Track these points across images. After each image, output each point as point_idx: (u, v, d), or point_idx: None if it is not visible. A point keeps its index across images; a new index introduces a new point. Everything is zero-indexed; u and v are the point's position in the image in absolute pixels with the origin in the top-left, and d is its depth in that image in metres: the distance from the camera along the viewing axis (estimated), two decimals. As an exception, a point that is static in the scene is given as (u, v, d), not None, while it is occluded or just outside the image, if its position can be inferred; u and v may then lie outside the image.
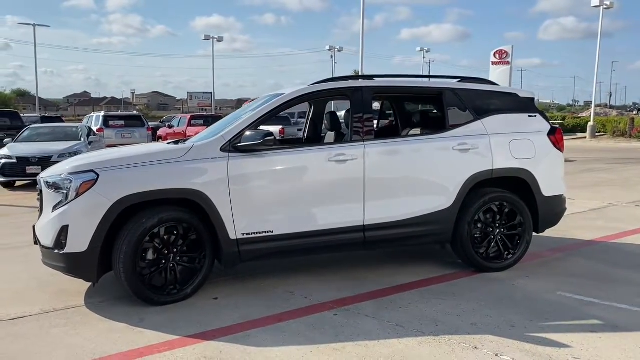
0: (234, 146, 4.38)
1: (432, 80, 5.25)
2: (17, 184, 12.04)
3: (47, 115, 26.37)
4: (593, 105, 32.65)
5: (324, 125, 6.04)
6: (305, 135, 6.21)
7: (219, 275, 4.91)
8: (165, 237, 4.22)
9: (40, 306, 4.25)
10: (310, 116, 6.18)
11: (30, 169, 11.27)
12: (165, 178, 4.20)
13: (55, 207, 4.15)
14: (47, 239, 4.17)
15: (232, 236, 4.34)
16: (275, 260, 4.88)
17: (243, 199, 4.35)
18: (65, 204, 4.08)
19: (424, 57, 53.62)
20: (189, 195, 4.24)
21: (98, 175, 4.07)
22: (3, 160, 11.45)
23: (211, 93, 46.33)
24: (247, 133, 4.42)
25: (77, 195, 4.05)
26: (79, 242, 4.02)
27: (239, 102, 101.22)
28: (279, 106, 4.65)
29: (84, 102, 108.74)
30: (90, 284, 4.50)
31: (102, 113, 19.04)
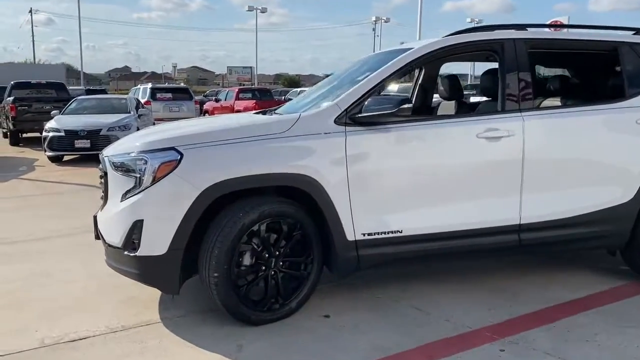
0: (352, 117, 3.28)
1: (601, 32, 4.00)
2: (65, 158, 11.31)
3: (91, 87, 25.94)
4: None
5: (438, 92, 4.86)
6: (413, 104, 5.04)
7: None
8: (266, 237, 3.19)
9: (106, 322, 3.30)
10: (420, 81, 5.01)
11: (78, 143, 10.61)
12: (266, 159, 3.13)
13: (124, 196, 3.14)
14: (114, 236, 3.19)
15: (350, 237, 3.27)
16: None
17: (365, 188, 3.27)
18: (139, 192, 3.07)
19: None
20: (296, 182, 3.18)
21: (181, 155, 3.04)
22: (51, 134, 10.71)
23: (251, 67, 45.37)
24: (369, 100, 3.32)
25: (155, 181, 3.03)
26: (156, 242, 3.02)
27: (277, 77, 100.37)
28: (409, 63, 3.52)
29: (124, 76, 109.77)
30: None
31: (150, 85, 18.14)
